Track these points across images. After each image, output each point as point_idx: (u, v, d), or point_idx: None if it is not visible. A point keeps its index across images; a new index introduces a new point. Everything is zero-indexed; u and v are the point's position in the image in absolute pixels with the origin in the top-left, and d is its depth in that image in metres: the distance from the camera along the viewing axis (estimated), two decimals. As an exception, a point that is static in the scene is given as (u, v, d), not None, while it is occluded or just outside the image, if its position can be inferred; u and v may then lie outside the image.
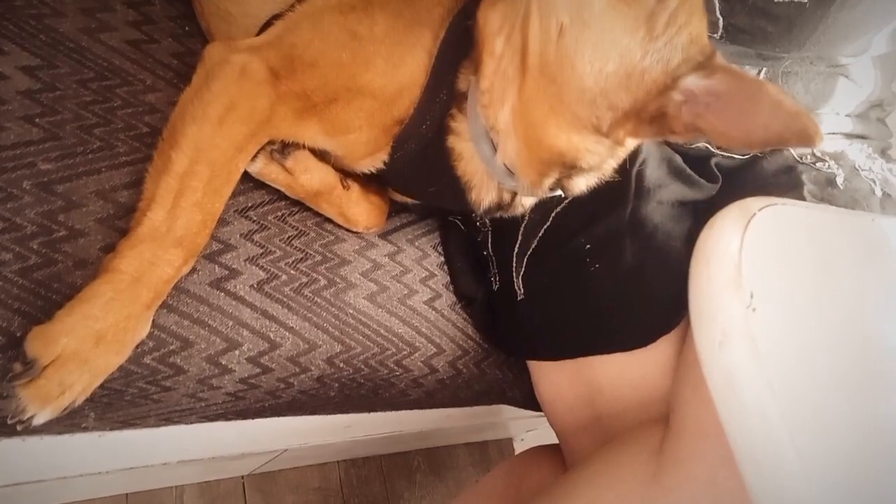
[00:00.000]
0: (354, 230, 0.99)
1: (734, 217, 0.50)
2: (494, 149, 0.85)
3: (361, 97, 0.84)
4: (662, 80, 0.72)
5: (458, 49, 0.84)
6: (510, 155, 0.84)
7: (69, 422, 0.73)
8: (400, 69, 0.84)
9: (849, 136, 1.16)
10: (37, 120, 0.76)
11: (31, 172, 0.73)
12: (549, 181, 0.86)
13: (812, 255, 0.52)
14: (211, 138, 0.76)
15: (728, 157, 1.08)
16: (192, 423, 0.86)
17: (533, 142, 0.82)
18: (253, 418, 0.91)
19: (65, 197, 0.75)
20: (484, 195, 0.91)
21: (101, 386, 0.70)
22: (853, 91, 1.13)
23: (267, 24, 0.88)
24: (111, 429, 0.80)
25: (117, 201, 0.77)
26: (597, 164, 0.83)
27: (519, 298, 1.06)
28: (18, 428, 0.63)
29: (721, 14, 0.96)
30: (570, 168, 0.83)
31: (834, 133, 1.15)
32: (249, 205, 0.90)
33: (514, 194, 0.92)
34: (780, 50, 1.00)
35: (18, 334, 0.66)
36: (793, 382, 0.44)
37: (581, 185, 0.87)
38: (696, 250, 0.51)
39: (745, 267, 0.46)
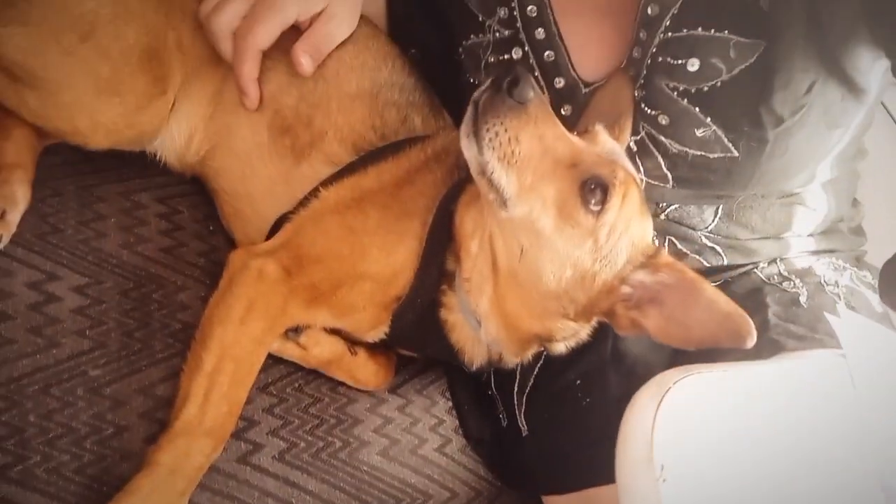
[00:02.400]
0: (365, 390, 1.10)
1: (650, 393, 0.60)
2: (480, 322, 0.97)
3: (362, 282, 0.97)
4: (611, 280, 0.87)
5: (444, 234, 0.98)
6: (492, 333, 0.98)
7: None
8: (393, 255, 0.98)
9: (815, 252, 1.25)
10: (87, 332, 0.91)
11: (83, 380, 0.87)
12: (530, 352, 1.00)
13: (727, 418, 0.61)
14: (234, 337, 0.89)
15: None
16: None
17: (510, 327, 0.96)
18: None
19: (112, 398, 0.88)
20: (475, 357, 1.03)
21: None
22: (809, 215, 1.22)
23: (278, 222, 1.03)
24: None
25: (156, 395, 0.90)
26: (571, 335, 0.96)
27: (524, 435, 1.15)
28: None
29: (667, 170, 1.09)
30: (548, 341, 0.96)
31: (800, 253, 1.24)
32: (269, 380, 1.02)
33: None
34: (727, 192, 1.12)
35: (75, 527, 0.77)
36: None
37: (561, 347, 0.99)
38: (620, 427, 0.61)
39: (657, 441, 0.55)
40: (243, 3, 0.98)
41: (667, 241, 1.17)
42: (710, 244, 1.18)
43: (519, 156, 0.83)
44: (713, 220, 1.16)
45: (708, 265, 1.18)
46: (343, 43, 1.06)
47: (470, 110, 0.84)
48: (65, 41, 0.94)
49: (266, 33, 0.98)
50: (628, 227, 0.87)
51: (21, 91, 0.95)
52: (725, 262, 1.19)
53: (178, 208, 1.10)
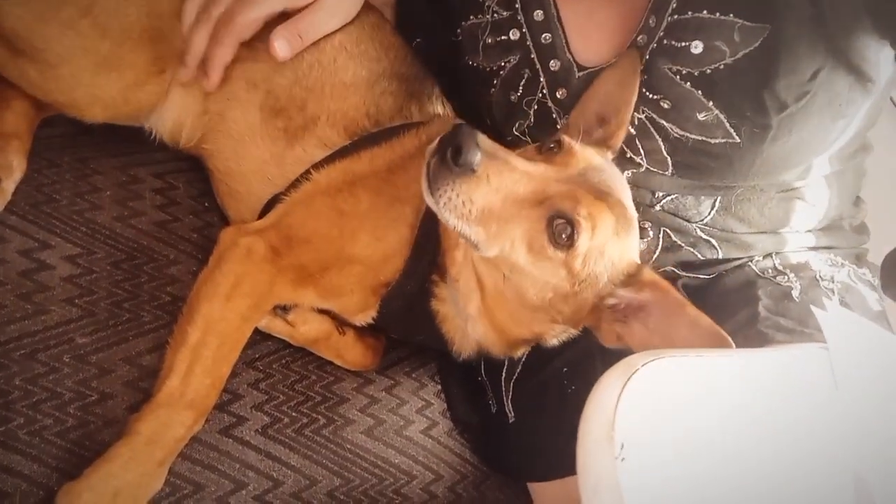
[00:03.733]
0: (353, 369, 1.11)
1: (617, 374, 0.60)
2: None
3: (351, 265, 0.98)
4: (592, 299, 0.88)
5: (437, 225, 0.98)
6: (480, 334, 0.99)
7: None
8: (383, 240, 0.98)
9: (815, 248, 1.24)
10: (76, 300, 0.92)
11: (70, 347, 0.89)
12: (519, 352, 1.02)
13: (695, 401, 0.61)
14: (220, 313, 0.91)
15: (694, 277, 1.18)
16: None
17: (499, 332, 0.98)
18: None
19: (97, 365, 0.89)
20: (464, 348, 1.04)
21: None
22: (809, 210, 1.21)
23: (270, 202, 1.04)
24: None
25: (141, 365, 0.92)
26: (562, 332, 0.98)
27: (510, 421, 1.16)
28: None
29: (667, 154, 1.08)
30: (538, 342, 0.98)
31: (798, 248, 1.23)
32: (256, 355, 1.03)
33: None
34: (727, 182, 1.11)
35: (55, 489, 0.79)
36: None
37: (553, 342, 1.00)
38: (585, 405, 0.61)
39: (619, 421, 0.55)
40: None
41: (661, 232, 1.17)
42: (705, 237, 1.17)
43: (477, 212, 0.82)
44: (709, 213, 1.16)
45: (702, 258, 1.18)
46: (346, 31, 1.07)
47: (423, 171, 0.83)
48: (65, 15, 0.95)
49: (247, 25, 0.99)
50: (603, 252, 0.87)
51: (21, 63, 0.97)
52: (720, 256, 1.18)
53: (174, 184, 1.11)
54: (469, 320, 0.99)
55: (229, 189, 1.09)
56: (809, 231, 1.24)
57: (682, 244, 1.17)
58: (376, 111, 1.06)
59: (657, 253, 1.17)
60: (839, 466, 0.69)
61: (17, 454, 0.80)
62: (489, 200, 0.83)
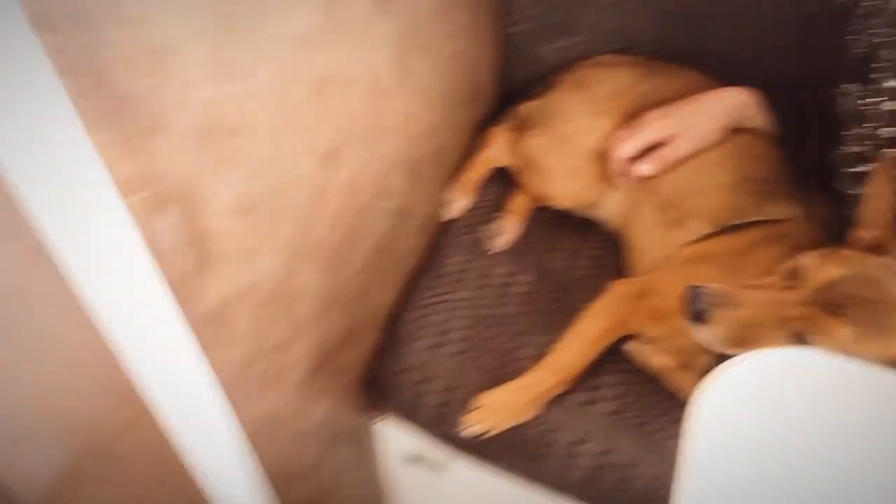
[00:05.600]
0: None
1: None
2: None
3: None
4: None
5: None
6: None
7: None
8: None
9: None
10: (522, 305, 1.55)
11: (508, 329, 1.51)
12: None
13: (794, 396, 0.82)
14: (589, 325, 1.41)
15: None
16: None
17: None
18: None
19: (525, 343, 1.49)
20: None
21: (507, 433, 1.38)
22: None
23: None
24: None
25: (543, 351, 1.47)
26: None
27: None
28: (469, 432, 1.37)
29: None
30: None
31: None
32: (625, 368, 1.46)
33: None
34: None
35: (478, 394, 1.41)
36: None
37: None
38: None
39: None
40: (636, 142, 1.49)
41: None
42: None
43: (727, 342, 1.12)
44: None
45: None
46: (715, 149, 1.46)
47: (683, 314, 1.14)
48: (554, 146, 1.64)
49: (623, 150, 1.48)
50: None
51: (528, 174, 1.69)
52: None
53: (602, 255, 1.66)
54: None
55: (633, 261, 1.59)
56: None
57: None
58: (736, 208, 1.41)
59: None
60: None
61: (469, 374, 1.46)
62: (731, 330, 1.11)
